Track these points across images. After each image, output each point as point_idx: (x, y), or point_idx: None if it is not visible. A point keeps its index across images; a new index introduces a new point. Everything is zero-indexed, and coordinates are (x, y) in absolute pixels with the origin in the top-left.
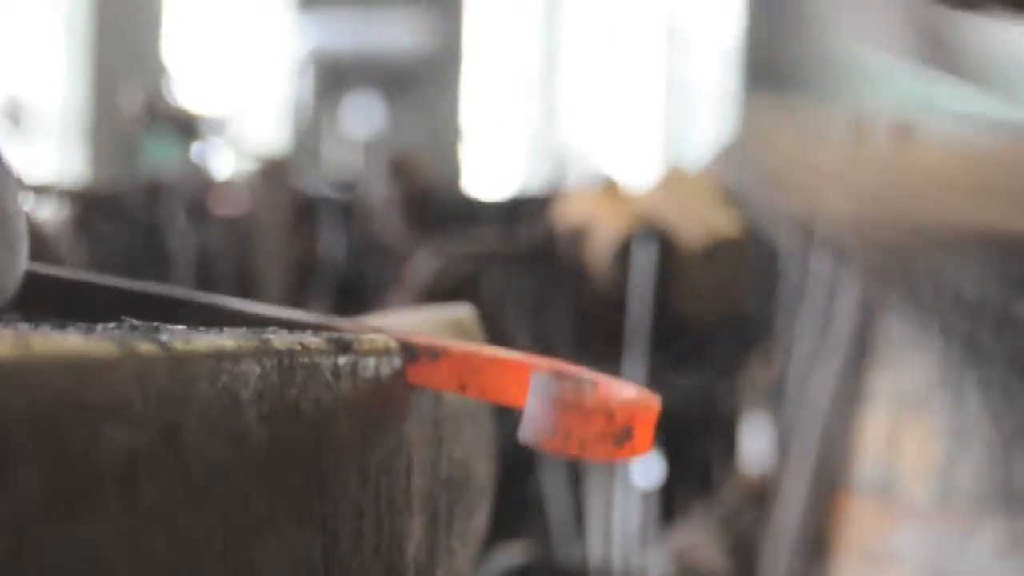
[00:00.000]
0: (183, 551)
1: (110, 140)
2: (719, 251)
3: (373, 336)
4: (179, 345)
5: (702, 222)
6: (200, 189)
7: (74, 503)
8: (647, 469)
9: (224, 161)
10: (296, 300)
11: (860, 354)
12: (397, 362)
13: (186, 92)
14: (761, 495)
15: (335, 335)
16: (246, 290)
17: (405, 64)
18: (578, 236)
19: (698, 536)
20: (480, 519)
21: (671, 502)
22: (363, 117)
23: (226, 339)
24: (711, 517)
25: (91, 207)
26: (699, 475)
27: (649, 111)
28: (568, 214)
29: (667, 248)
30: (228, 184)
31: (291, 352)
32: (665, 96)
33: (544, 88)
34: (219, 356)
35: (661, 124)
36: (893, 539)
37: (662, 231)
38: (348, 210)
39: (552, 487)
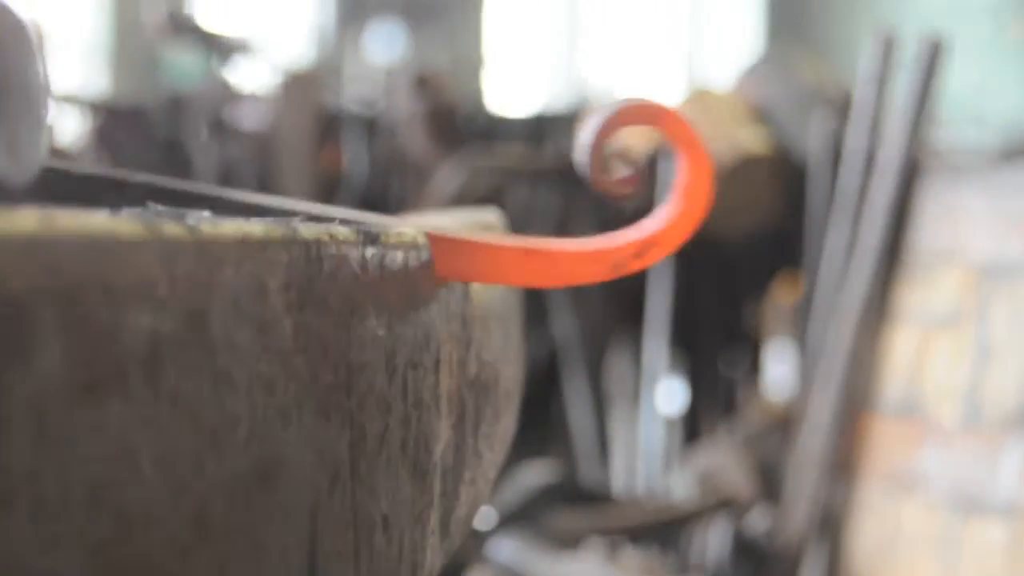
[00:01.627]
0: (206, 438)
1: (133, 54)
2: (746, 168)
3: (402, 229)
4: (206, 229)
5: (729, 139)
6: (223, 103)
7: (97, 384)
8: (671, 393)
9: (247, 77)
10: None
11: (887, 273)
12: (426, 255)
13: (210, 13)
14: (786, 418)
15: (363, 226)
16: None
17: None
18: None
19: (722, 458)
20: (507, 423)
21: (695, 425)
22: (385, 44)
23: (254, 226)
24: (735, 439)
25: (113, 120)
26: (724, 398)
27: (672, 34)
28: None
29: None
30: (252, 98)
31: (319, 242)
32: (688, 19)
33: (567, 11)
34: (246, 242)
35: (684, 47)
36: (919, 460)
37: None
38: (372, 125)
39: (577, 409)
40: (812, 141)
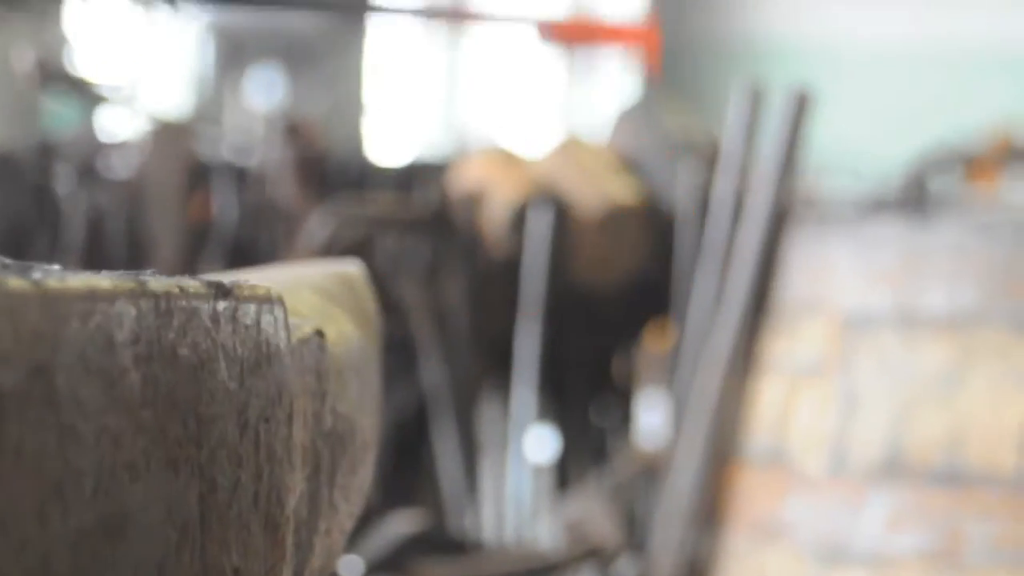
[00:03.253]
0: (50, 492)
1: (5, 100)
2: (616, 219)
3: (254, 283)
4: (52, 283)
5: (599, 190)
6: (93, 150)
7: None
8: (540, 442)
9: (121, 125)
10: (189, 264)
11: (754, 322)
12: (279, 310)
13: (85, 58)
14: (654, 467)
15: (215, 280)
16: (138, 253)
17: (307, 37)
18: (474, 202)
19: (590, 507)
20: (364, 475)
21: (565, 474)
22: (264, 89)
23: (101, 279)
24: (604, 488)
25: None
26: (593, 447)
27: (549, 84)
28: (464, 180)
29: (563, 215)
30: (122, 146)
31: (168, 295)
32: (566, 70)
33: (447, 59)
34: (93, 296)
35: (561, 97)
36: (784, 509)
37: (558, 198)
38: (243, 174)
39: (445, 457)
40: (680, 191)
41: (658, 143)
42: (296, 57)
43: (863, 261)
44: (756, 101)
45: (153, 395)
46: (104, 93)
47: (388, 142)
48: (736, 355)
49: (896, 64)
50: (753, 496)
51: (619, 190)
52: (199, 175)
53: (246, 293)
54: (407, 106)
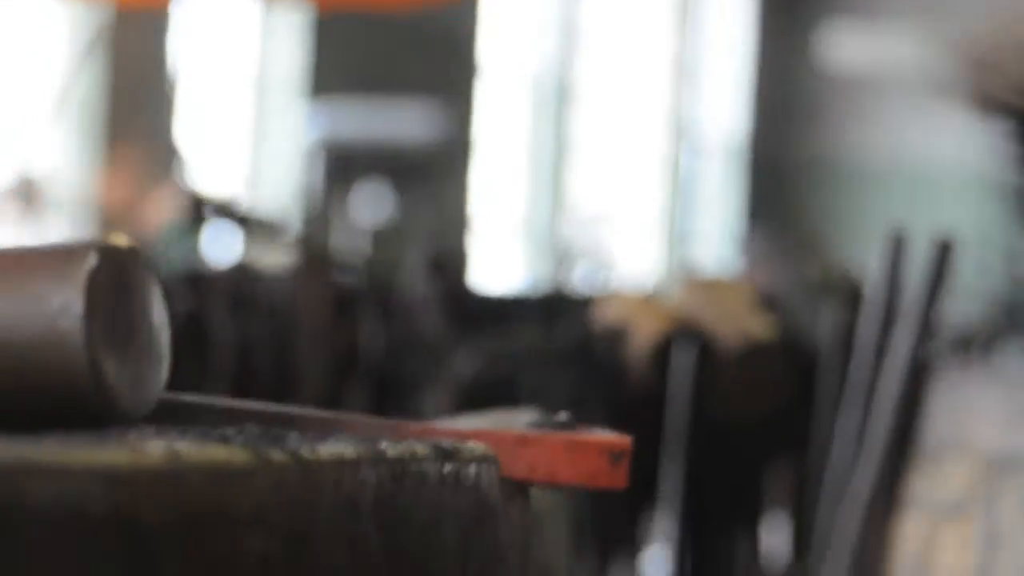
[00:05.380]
0: None
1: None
2: (755, 355)
3: (473, 444)
4: (306, 453)
5: (739, 326)
6: (242, 280)
7: None
8: (661, 570)
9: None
10: (335, 394)
11: (897, 461)
12: (495, 469)
13: (196, 176)
14: None
15: (439, 443)
16: (286, 382)
17: (414, 154)
18: (617, 337)
19: None
20: None
21: None
22: (372, 206)
23: (344, 446)
24: None
25: None
26: (718, 572)
27: (655, 207)
28: (607, 314)
29: (705, 351)
30: (271, 275)
31: (402, 460)
32: (671, 193)
33: (551, 181)
34: (341, 463)
35: (666, 220)
36: None
37: (700, 334)
38: (385, 304)
39: None
40: (822, 331)
41: (798, 282)
42: (403, 174)
43: (1006, 400)
44: (899, 242)
45: (391, 558)
46: (257, 221)
47: (494, 263)
48: (878, 493)
49: None
50: None
51: (759, 327)
52: (343, 305)
53: (467, 455)
54: (512, 228)
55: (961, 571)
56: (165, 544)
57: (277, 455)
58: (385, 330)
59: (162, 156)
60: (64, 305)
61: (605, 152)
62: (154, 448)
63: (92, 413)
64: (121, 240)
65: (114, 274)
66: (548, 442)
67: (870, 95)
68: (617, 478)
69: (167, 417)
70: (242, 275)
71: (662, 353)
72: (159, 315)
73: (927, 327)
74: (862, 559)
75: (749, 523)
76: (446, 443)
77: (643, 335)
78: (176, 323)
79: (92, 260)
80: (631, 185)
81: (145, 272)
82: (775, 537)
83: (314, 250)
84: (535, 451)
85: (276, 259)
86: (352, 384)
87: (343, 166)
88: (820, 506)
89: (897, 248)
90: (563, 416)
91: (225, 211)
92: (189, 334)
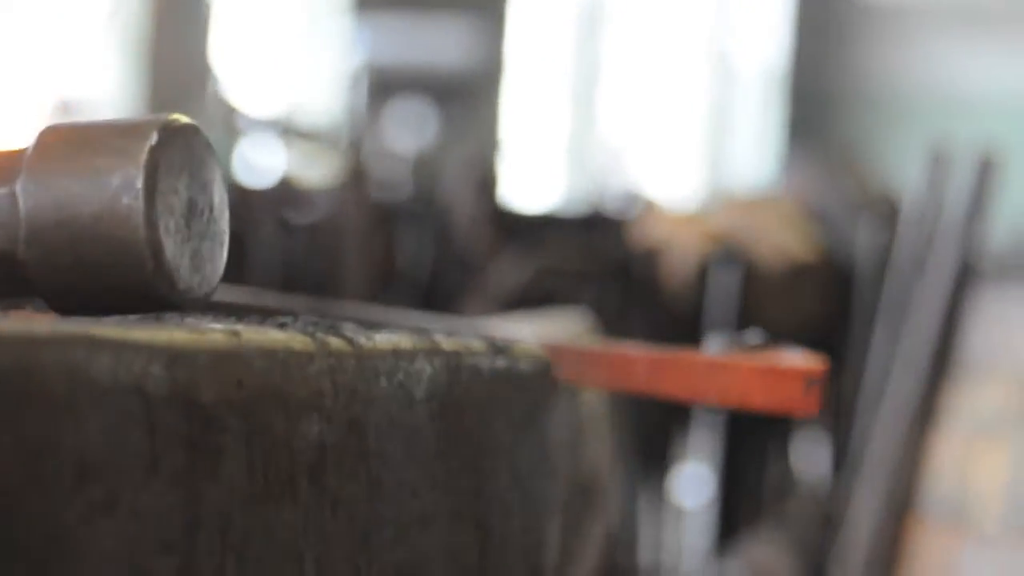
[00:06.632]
0: (360, 542)
1: None
2: (796, 274)
3: (525, 340)
4: (363, 341)
5: (779, 245)
6: (285, 197)
7: (272, 491)
8: (696, 487)
9: (311, 168)
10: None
11: (934, 377)
12: (546, 365)
13: (236, 95)
14: (829, 513)
15: (492, 338)
16: (326, 297)
17: (455, 75)
18: (656, 256)
19: (769, 550)
20: (603, 523)
21: (727, 515)
22: (413, 127)
23: (402, 337)
24: (779, 535)
25: None
26: (753, 489)
27: (689, 132)
28: (646, 233)
29: (744, 269)
30: (312, 192)
31: (457, 353)
32: (707, 118)
33: (584, 103)
34: (397, 353)
35: (701, 146)
36: (963, 564)
37: (739, 252)
38: (424, 219)
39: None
40: (860, 248)
41: (838, 199)
42: (442, 96)
43: None
44: (940, 160)
45: (443, 450)
46: (299, 132)
47: (532, 181)
48: (915, 410)
49: None
50: (930, 550)
51: (799, 245)
52: (383, 219)
53: (519, 350)
54: (545, 149)
55: (996, 489)
56: (224, 424)
57: (335, 342)
58: (428, 245)
59: (201, 76)
60: (125, 182)
61: (643, 76)
62: (214, 329)
63: (152, 292)
64: (183, 118)
65: (176, 152)
66: (743, 368)
67: (910, 20)
68: (809, 404)
69: (225, 306)
70: (283, 190)
71: (701, 272)
72: (220, 195)
73: (968, 244)
74: (898, 475)
75: (784, 440)
76: (500, 339)
77: (683, 254)
78: None
79: (154, 137)
80: (669, 108)
81: (207, 151)
82: (810, 454)
83: (356, 163)
84: (729, 376)
85: (317, 174)
86: (393, 298)
87: (385, 87)
88: (856, 423)
89: (937, 164)
90: (755, 336)
91: (265, 124)
92: (229, 250)
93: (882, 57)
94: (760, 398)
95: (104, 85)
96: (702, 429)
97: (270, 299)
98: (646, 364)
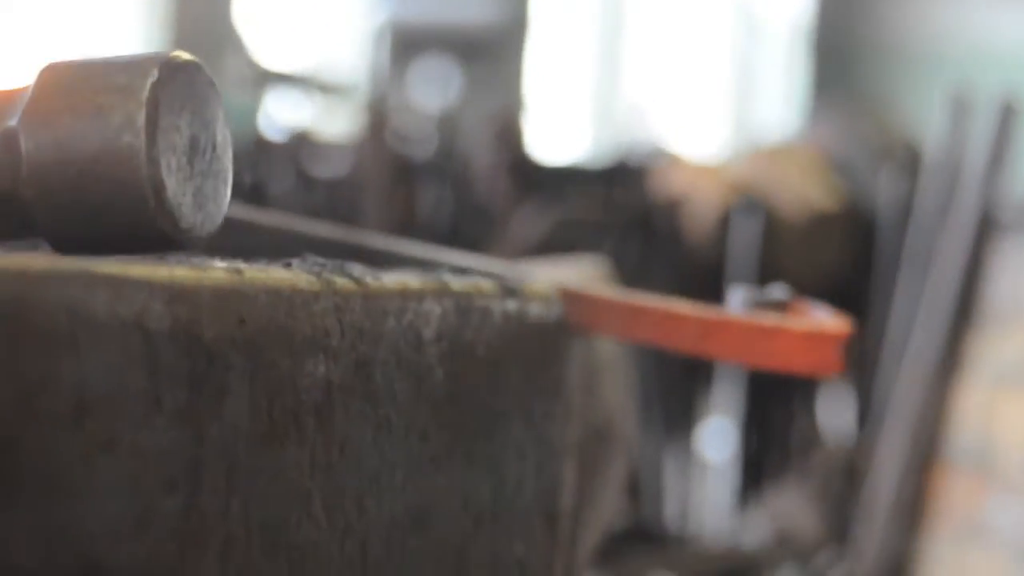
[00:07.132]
0: (369, 483)
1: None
2: (818, 224)
3: (538, 283)
4: (371, 281)
5: (801, 194)
6: (305, 149)
7: (277, 430)
8: (721, 441)
9: (332, 121)
10: None
11: (958, 325)
12: (559, 308)
13: (260, 51)
14: (854, 464)
15: (504, 280)
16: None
17: (477, 32)
18: (677, 206)
19: (794, 502)
20: (621, 467)
21: (753, 466)
22: (437, 84)
23: (410, 277)
24: (804, 484)
25: None
26: (778, 442)
27: (715, 87)
28: (667, 184)
29: (767, 220)
30: (333, 144)
31: (467, 294)
32: (732, 73)
33: (608, 59)
34: (405, 294)
35: (726, 101)
36: (988, 512)
37: (762, 203)
38: (444, 171)
39: (644, 453)
40: (882, 198)
41: (859, 148)
42: (465, 53)
43: None
44: (961, 108)
45: (454, 391)
46: (322, 85)
47: (555, 133)
48: (939, 358)
49: None
50: (956, 497)
51: (821, 195)
52: (403, 171)
53: (531, 292)
54: (570, 106)
55: (1019, 437)
56: (227, 362)
57: (341, 281)
58: (449, 198)
59: (225, 31)
60: (126, 119)
61: (668, 30)
62: (216, 266)
63: (154, 231)
64: (185, 55)
65: (178, 89)
66: (790, 335)
67: None
68: (840, 364)
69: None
70: (305, 143)
71: (723, 222)
72: (223, 133)
73: (990, 193)
74: (921, 425)
75: (808, 392)
76: (510, 281)
77: (704, 204)
78: (237, 191)
79: (155, 73)
80: (694, 62)
81: (210, 88)
82: (834, 405)
83: (377, 117)
84: (778, 343)
85: (339, 127)
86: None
87: (409, 44)
88: (879, 373)
89: (959, 113)
90: (779, 291)
91: (289, 80)
92: (251, 201)
93: (905, 8)
94: (802, 361)
95: (128, 41)
96: (726, 383)
97: (282, 221)
98: (694, 325)
